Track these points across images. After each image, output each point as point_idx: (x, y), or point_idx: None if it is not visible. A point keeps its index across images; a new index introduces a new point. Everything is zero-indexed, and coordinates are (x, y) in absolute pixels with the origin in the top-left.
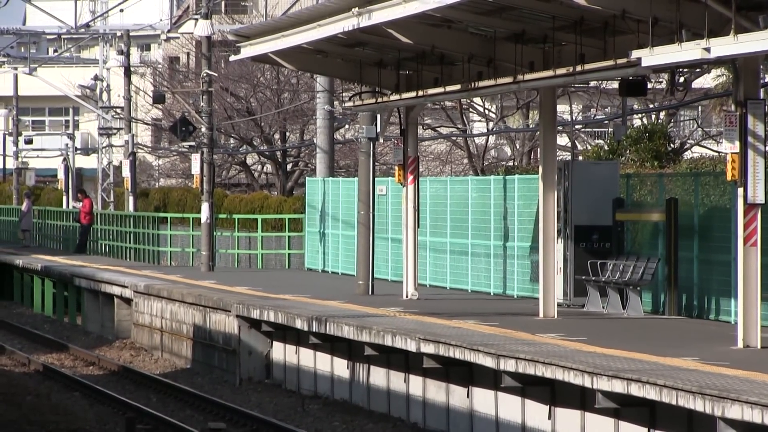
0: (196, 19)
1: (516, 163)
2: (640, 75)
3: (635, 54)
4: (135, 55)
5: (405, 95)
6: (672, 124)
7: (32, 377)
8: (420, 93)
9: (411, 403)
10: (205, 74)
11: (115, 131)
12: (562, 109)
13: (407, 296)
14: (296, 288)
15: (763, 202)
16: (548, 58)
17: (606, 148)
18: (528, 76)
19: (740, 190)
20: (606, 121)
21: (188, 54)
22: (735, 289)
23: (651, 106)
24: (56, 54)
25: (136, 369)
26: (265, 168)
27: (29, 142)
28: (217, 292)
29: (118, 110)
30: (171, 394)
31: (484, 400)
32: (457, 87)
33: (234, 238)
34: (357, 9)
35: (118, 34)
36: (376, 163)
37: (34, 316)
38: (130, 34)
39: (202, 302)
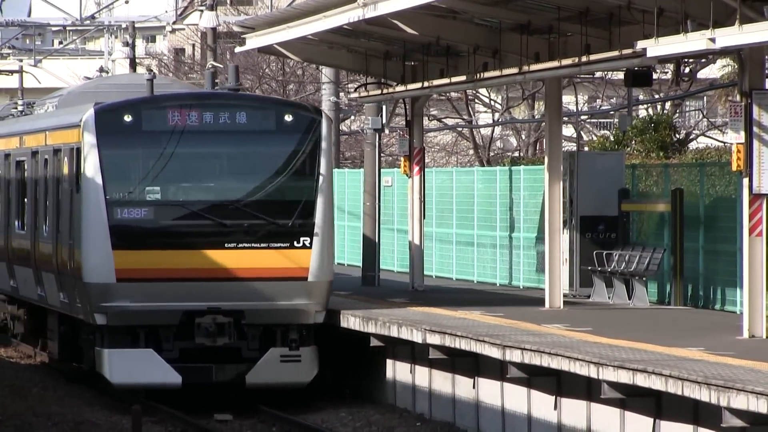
0: (202, 11)
1: (522, 154)
2: (645, 65)
3: (640, 44)
4: (140, 46)
5: (410, 86)
6: (677, 114)
7: (38, 369)
8: (425, 84)
9: (417, 394)
10: (210, 65)
11: None
12: (568, 99)
13: (413, 287)
14: None
15: None
16: (553, 49)
17: (611, 138)
18: (533, 67)
19: (745, 181)
20: (611, 112)
21: (193, 45)
22: (740, 279)
23: (656, 96)
24: (61, 46)
25: None
26: None
27: None
28: None
29: None
30: None
31: (490, 391)
32: (463, 78)
33: None
34: (362, 0)
35: (123, 25)
36: (382, 154)
37: None
38: (136, 25)
39: None
